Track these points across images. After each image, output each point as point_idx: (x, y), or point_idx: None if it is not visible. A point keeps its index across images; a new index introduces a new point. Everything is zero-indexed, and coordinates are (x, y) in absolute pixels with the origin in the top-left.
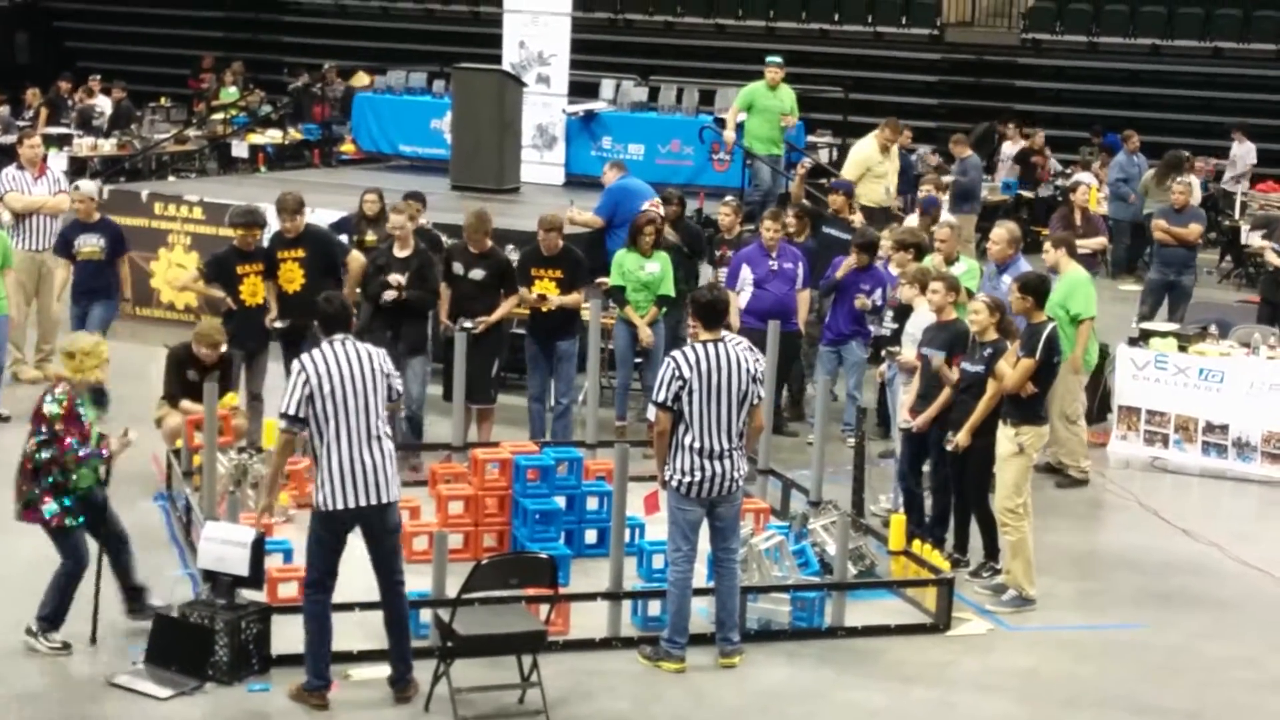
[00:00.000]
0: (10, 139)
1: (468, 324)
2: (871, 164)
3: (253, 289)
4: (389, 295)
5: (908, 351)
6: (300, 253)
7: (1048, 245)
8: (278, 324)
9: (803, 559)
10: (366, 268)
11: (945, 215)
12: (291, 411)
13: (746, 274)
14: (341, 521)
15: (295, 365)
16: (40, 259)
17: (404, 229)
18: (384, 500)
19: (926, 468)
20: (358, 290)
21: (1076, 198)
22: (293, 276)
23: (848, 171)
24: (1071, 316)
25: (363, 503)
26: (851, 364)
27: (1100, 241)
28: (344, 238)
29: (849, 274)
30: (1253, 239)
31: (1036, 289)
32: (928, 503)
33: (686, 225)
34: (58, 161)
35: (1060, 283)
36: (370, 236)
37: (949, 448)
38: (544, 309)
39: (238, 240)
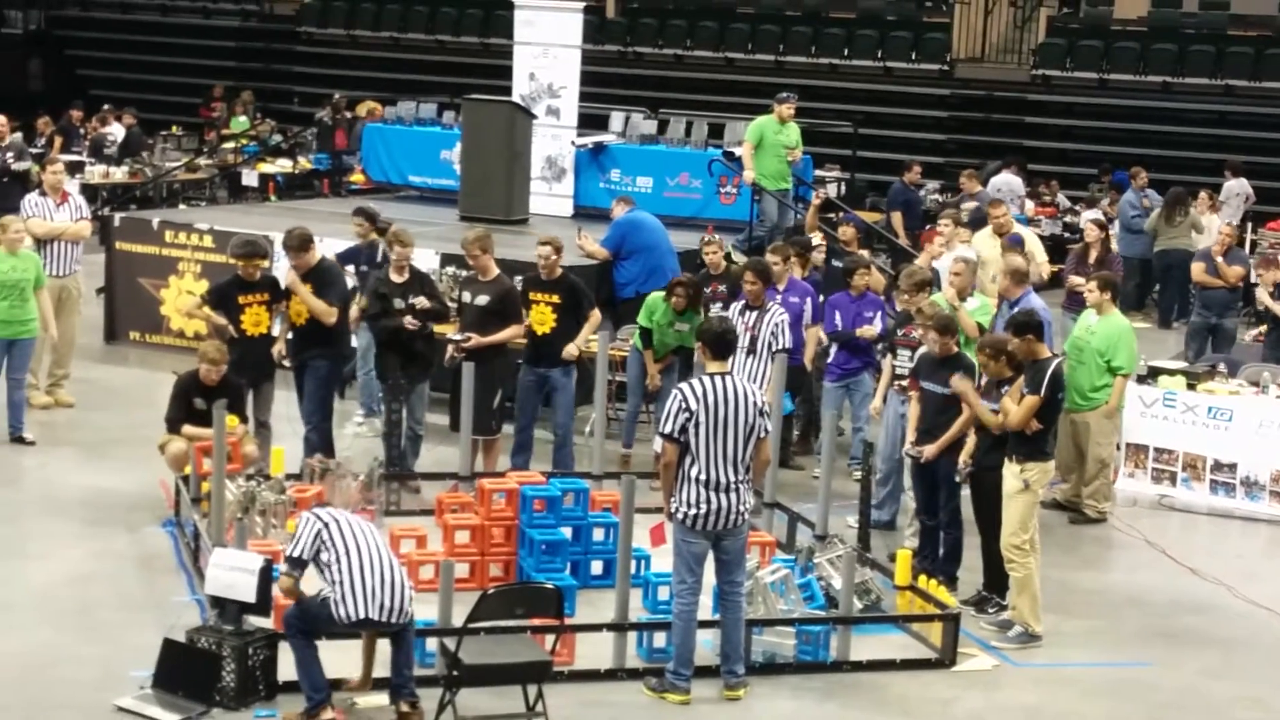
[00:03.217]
0: (25, 165)
1: (456, 337)
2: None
3: (256, 319)
4: (411, 321)
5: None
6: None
7: (1092, 285)
8: (285, 362)
9: (808, 593)
10: (370, 298)
11: (961, 250)
12: (296, 554)
13: None
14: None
15: (307, 515)
16: (61, 284)
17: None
18: (399, 621)
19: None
20: (363, 320)
21: (1090, 235)
22: (301, 310)
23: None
24: (1112, 368)
25: (379, 618)
26: (861, 397)
27: None
28: (350, 268)
29: (849, 304)
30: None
31: (1028, 325)
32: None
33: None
34: (70, 188)
35: (1101, 328)
36: None
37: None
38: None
39: (241, 270)
